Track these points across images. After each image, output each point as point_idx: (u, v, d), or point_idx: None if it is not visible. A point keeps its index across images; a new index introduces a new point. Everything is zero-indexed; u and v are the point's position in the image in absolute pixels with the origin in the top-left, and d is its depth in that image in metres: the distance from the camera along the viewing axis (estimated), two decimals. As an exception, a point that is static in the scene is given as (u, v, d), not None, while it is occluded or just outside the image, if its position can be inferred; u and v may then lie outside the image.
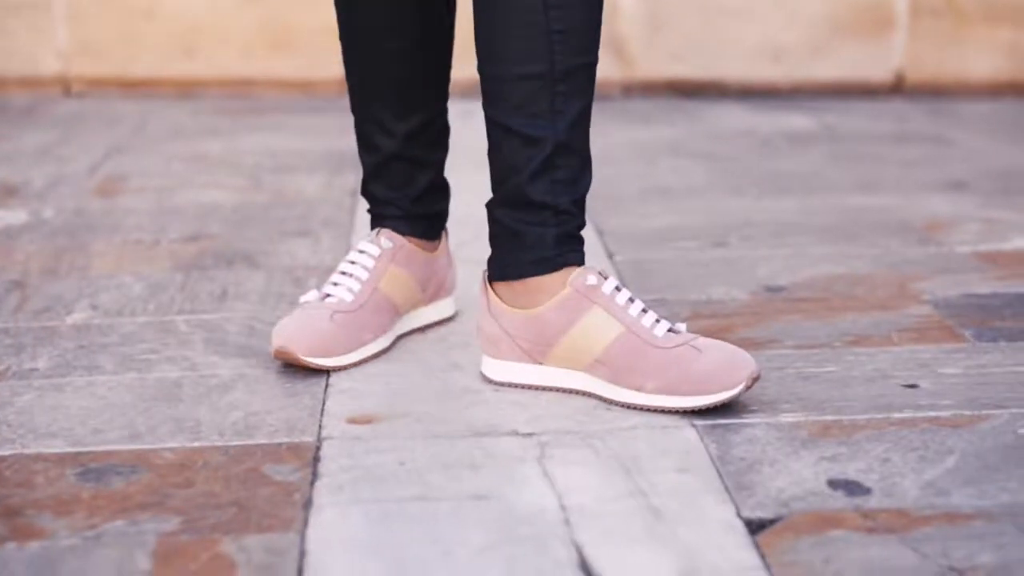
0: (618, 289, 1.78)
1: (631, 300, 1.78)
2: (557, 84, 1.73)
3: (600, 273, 1.79)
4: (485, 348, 1.83)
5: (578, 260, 1.80)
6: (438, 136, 2.09)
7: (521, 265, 1.79)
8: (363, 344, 1.90)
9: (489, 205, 1.82)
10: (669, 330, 1.76)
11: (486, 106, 1.80)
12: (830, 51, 3.98)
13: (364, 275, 1.95)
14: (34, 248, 2.46)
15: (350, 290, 1.93)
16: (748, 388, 1.70)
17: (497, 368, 1.82)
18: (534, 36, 1.72)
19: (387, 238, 2.00)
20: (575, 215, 1.79)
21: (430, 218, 2.06)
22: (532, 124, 1.74)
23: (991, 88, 4.01)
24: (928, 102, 3.93)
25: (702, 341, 1.74)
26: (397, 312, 1.98)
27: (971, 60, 4.01)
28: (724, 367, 1.71)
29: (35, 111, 3.72)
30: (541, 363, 1.80)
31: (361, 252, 1.98)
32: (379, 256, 1.97)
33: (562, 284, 1.78)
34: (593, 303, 1.76)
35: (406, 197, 2.03)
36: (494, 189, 1.81)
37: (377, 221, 2.04)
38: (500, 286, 1.82)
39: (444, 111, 2.10)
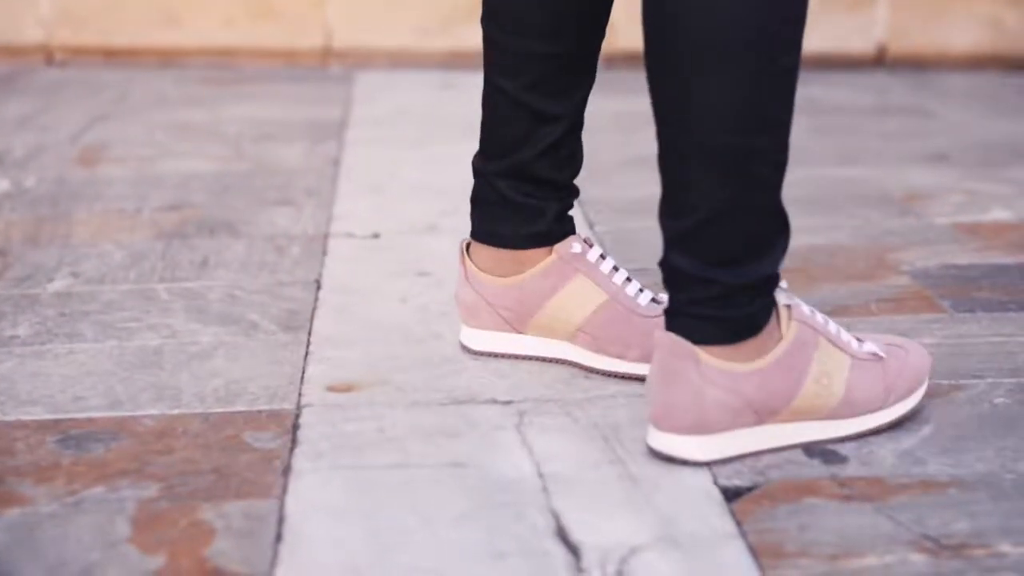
0: (603, 257, 1.77)
1: (615, 269, 1.77)
2: (575, 62, 1.71)
3: (585, 241, 1.78)
4: (464, 317, 1.82)
5: (571, 232, 1.79)
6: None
7: (518, 238, 1.77)
8: None
9: (485, 171, 1.77)
10: (652, 299, 1.76)
11: (498, 76, 1.73)
12: (812, 23, 3.93)
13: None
14: (15, 216, 2.46)
15: None
16: None
17: (476, 337, 1.81)
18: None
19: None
20: (574, 190, 1.79)
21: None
22: (549, 102, 1.72)
23: (972, 61, 4.01)
24: (910, 74, 3.93)
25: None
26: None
27: (953, 33, 4.02)
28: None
29: (16, 80, 3.71)
30: (522, 332, 1.79)
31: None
32: None
33: (547, 252, 1.76)
34: (577, 271, 1.75)
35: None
36: (492, 157, 1.76)
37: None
38: (482, 252, 1.79)
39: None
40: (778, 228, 1.54)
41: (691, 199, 1.49)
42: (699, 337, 1.50)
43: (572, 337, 1.77)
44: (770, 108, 1.49)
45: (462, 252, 1.81)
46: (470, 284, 1.80)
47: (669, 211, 1.52)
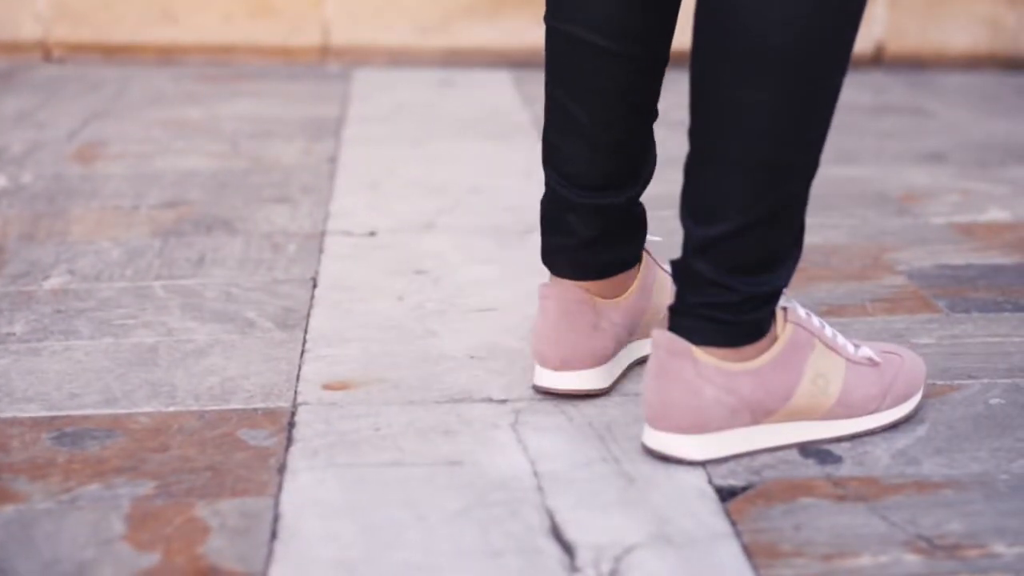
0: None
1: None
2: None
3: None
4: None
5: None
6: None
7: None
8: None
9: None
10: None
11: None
12: (811, 22, 3.98)
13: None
14: (12, 213, 2.46)
15: None
16: None
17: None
18: None
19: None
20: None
21: None
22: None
23: (970, 60, 4.02)
24: (907, 74, 3.93)
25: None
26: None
27: (951, 32, 4.02)
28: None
29: (14, 76, 3.71)
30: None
31: None
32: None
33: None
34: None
35: None
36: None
37: None
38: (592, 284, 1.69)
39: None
40: (796, 241, 1.54)
41: (723, 209, 1.48)
42: (702, 339, 1.49)
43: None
44: (815, 127, 1.49)
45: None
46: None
47: (696, 216, 1.50)
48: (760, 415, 1.52)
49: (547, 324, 1.65)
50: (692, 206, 1.51)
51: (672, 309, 1.53)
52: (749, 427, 1.52)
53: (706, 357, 1.49)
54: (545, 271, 1.71)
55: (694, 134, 1.49)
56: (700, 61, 1.47)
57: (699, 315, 1.50)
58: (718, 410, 1.50)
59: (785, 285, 1.53)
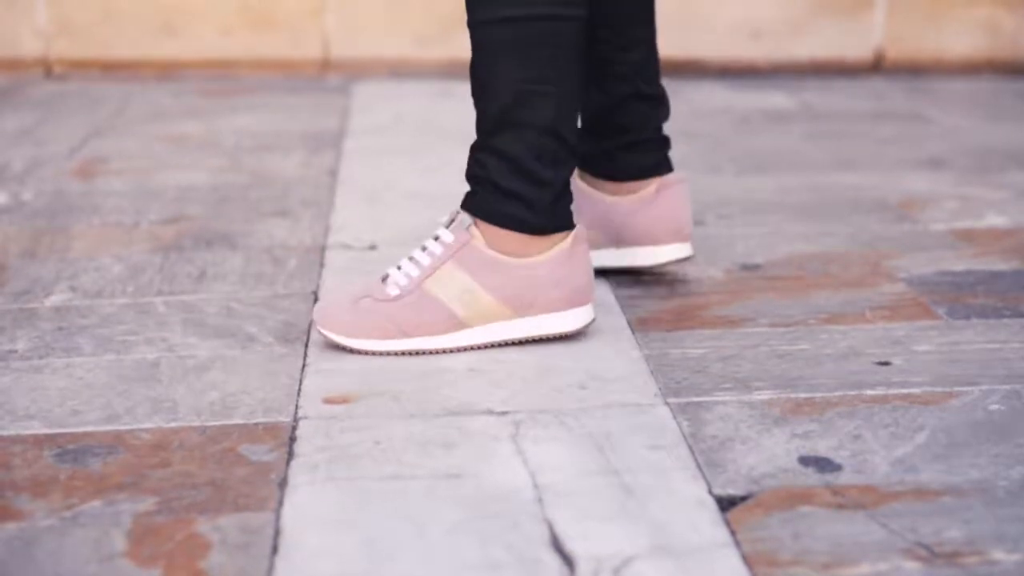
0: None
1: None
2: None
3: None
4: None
5: None
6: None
7: None
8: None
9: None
10: None
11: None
12: (809, 29, 3.99)
13: None
14: (13, 230, 2.47)
15: None
16: None
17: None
18: None
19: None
20: None
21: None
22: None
23: (969, 66, 4.02)
24: (906, 80, 3.94)
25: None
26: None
27: (950, 38, 4.03)
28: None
29: (15, 92, 3.72)
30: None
31: None
32: None
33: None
34: None
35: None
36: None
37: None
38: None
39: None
40: None
41: None
42: None
43: None
44: None
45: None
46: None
47: None
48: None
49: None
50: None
51: None
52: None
53: None
54: None
55: None
56: None
57: None
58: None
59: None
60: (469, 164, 1.87)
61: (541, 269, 1.85)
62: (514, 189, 1.83)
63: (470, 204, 1.87)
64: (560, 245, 1.86)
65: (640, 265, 2.13)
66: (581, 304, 1.88)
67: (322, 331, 1.85)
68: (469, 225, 1.87)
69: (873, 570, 1.34)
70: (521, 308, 1.86)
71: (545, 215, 1.85)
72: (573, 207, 1.96)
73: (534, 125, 1.82)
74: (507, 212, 1.85)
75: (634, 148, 2.12)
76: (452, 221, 1.89)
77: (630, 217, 2.10)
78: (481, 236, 1.86)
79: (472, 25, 1.82)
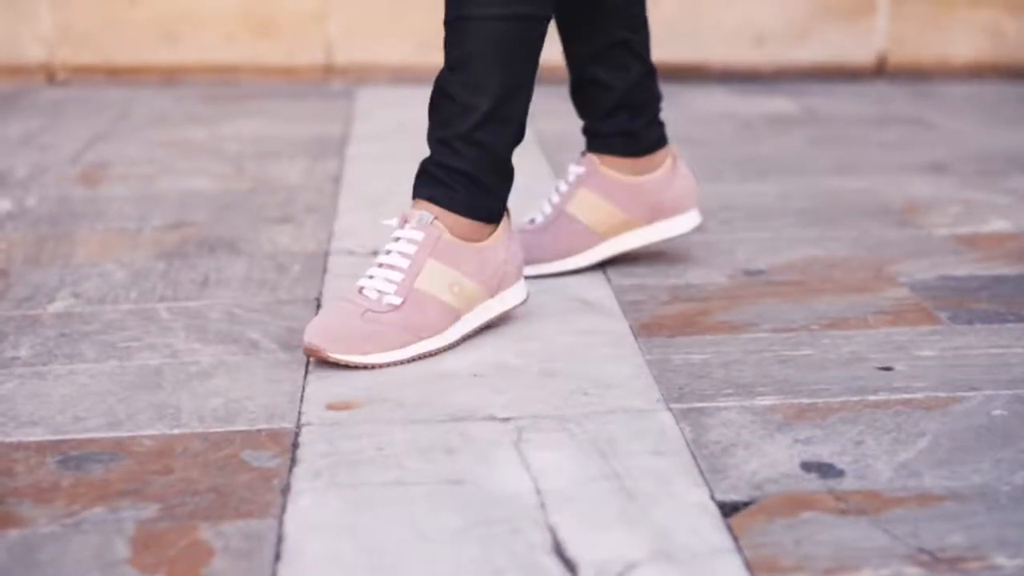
0: None
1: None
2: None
3: None
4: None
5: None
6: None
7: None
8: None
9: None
10: None
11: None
12: (812, 34, 4.00)
13: (555, 197, 2.24)
14: (17, 236, 2.47)
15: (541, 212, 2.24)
16: None
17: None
18: None
19: (579, 164, 2.22)
20: None
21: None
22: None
23: (972, 70, 4.02)
24: (910, 84, 3.94)
25: None
26: (593, 233, 2.21)
27: (953, 42, 4.03)
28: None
29: (18, 98, 3.73)
30: None
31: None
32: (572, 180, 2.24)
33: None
34: None
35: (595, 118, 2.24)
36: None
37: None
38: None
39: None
40: None
41: None
42: None
43: None
44: None
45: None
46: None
47: None
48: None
49: None
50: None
51: None
52: None
53: None
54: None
55: None
56: None
57: None
58: None
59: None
60: (440, 153, 1.91)
61: (500, 250, 1.94)
62: (489, 183, 1.92)
63: (445, 200, 1.91)
64: (503, 226, 1.96)
65: (678, 234, 2.25)
66: (520, 278, 1.99)
67: (339, 357, 1.82)
68: (433, 220, 1.90)
69: (876, 576, 1.34)
70: (493, 288, 1.95)
71: (503, 203, 1.96)
72: (604, 195, 2.19)
73: (515, 120, 1.92)
74: (482, 205, 1.93)
75: (652, 123, 2.23)
76: (407, 221, 1.92)
77: (662, 191, 2.22)
78: (445, 228, 1.90)
79: (463, 18, 1.92)
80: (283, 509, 1.47)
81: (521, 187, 2.06)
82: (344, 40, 3.92)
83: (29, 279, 2.22)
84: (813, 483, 1.52)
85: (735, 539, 1.40)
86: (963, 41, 4.03)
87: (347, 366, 1.83)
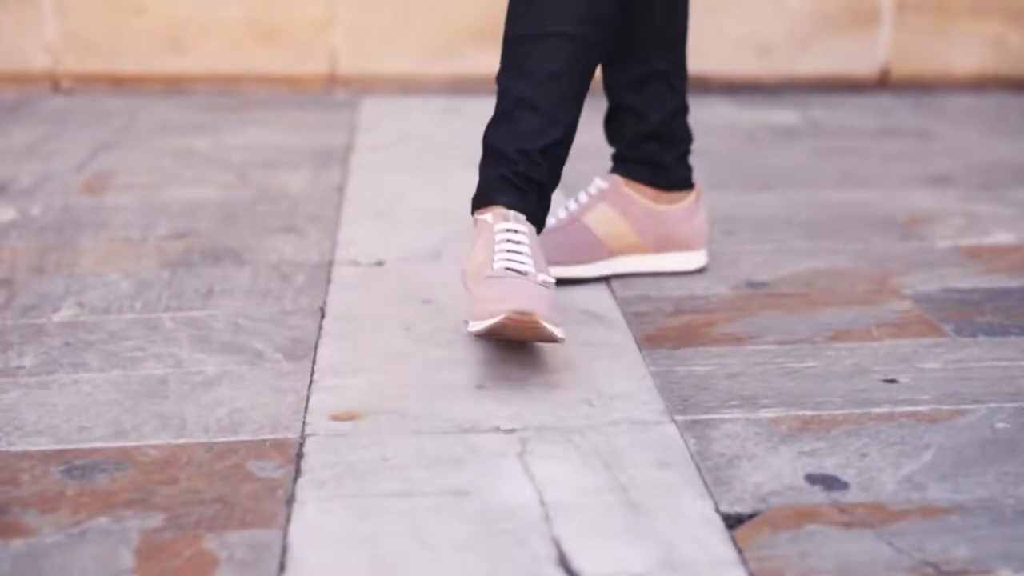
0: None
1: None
2: None
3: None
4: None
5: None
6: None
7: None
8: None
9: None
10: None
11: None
12: (815, 46, 4.00)
13: (573, 206, 2.28)
14: (21, 245, 2.47)
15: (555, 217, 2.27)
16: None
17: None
18: None
19: (603, 179, 2.28)
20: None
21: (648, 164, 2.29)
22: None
23: (976, 82, 4.02)
24: (913, 96, 3.94)
25: None
26: (603, 247, 2.24)
27: (956, 54, 4.03)
28: None
29: (23, 107, 3.73)
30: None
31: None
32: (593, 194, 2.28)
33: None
34: None
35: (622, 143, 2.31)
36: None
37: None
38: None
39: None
40: None
41: None
42: None
43: None
44: None
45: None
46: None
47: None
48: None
49: None
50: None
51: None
52: None
53: None
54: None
55: None
56: None
57: None
58: None
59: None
60: (523, 163, 1.95)
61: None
62: (550, 196, 2.01)
63: (523, 207, 1.96)
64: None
65: (682, 270, 2.27)
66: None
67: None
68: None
69: (880, 588, 1.34)
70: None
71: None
72: (622, 213, 2.24)
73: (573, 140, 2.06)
74: (541, 217, 2.00)
75: (682, 159, 2.28)
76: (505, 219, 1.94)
77: (680, 225, 2.26)
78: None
79: (554, 35, 1.96)
80: (288, 519, 1.47)
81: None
82: (349, 50, 3.93)
83: (34, 288, 2.23)
84: (817, 495, 1.52)
85: (739, 551, 1.40)
86: (966, 52, 4.03)
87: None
